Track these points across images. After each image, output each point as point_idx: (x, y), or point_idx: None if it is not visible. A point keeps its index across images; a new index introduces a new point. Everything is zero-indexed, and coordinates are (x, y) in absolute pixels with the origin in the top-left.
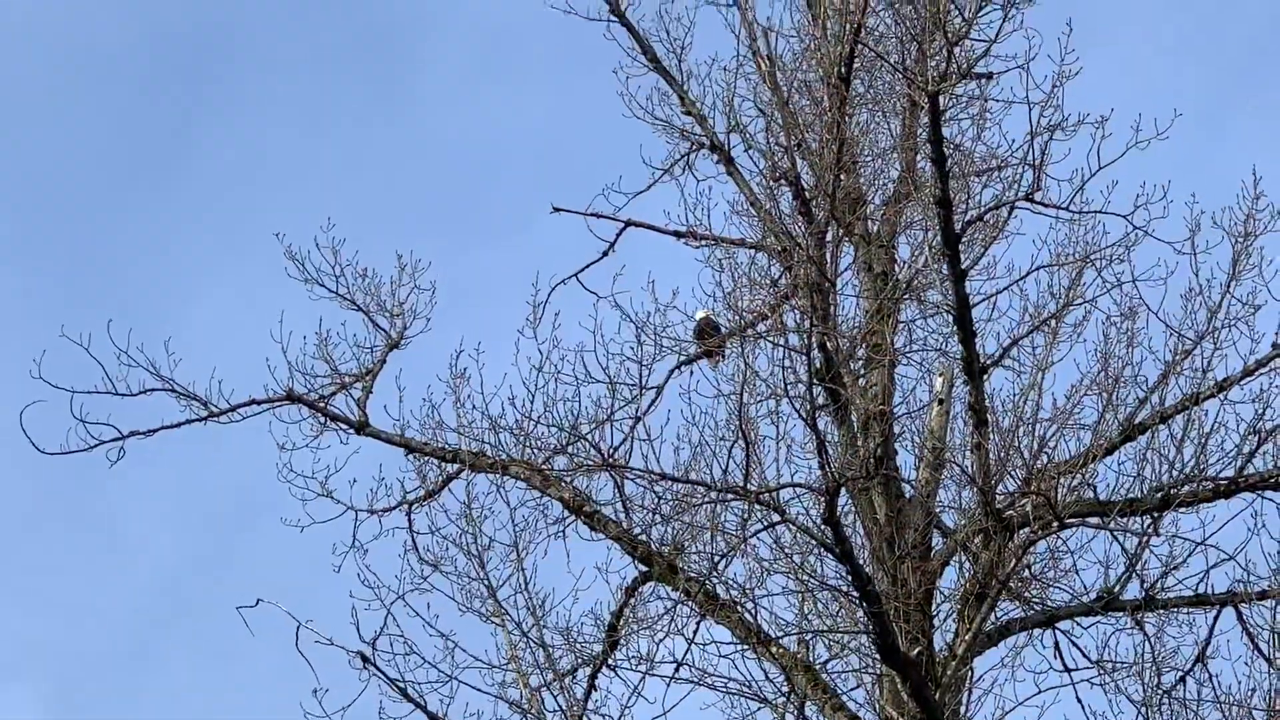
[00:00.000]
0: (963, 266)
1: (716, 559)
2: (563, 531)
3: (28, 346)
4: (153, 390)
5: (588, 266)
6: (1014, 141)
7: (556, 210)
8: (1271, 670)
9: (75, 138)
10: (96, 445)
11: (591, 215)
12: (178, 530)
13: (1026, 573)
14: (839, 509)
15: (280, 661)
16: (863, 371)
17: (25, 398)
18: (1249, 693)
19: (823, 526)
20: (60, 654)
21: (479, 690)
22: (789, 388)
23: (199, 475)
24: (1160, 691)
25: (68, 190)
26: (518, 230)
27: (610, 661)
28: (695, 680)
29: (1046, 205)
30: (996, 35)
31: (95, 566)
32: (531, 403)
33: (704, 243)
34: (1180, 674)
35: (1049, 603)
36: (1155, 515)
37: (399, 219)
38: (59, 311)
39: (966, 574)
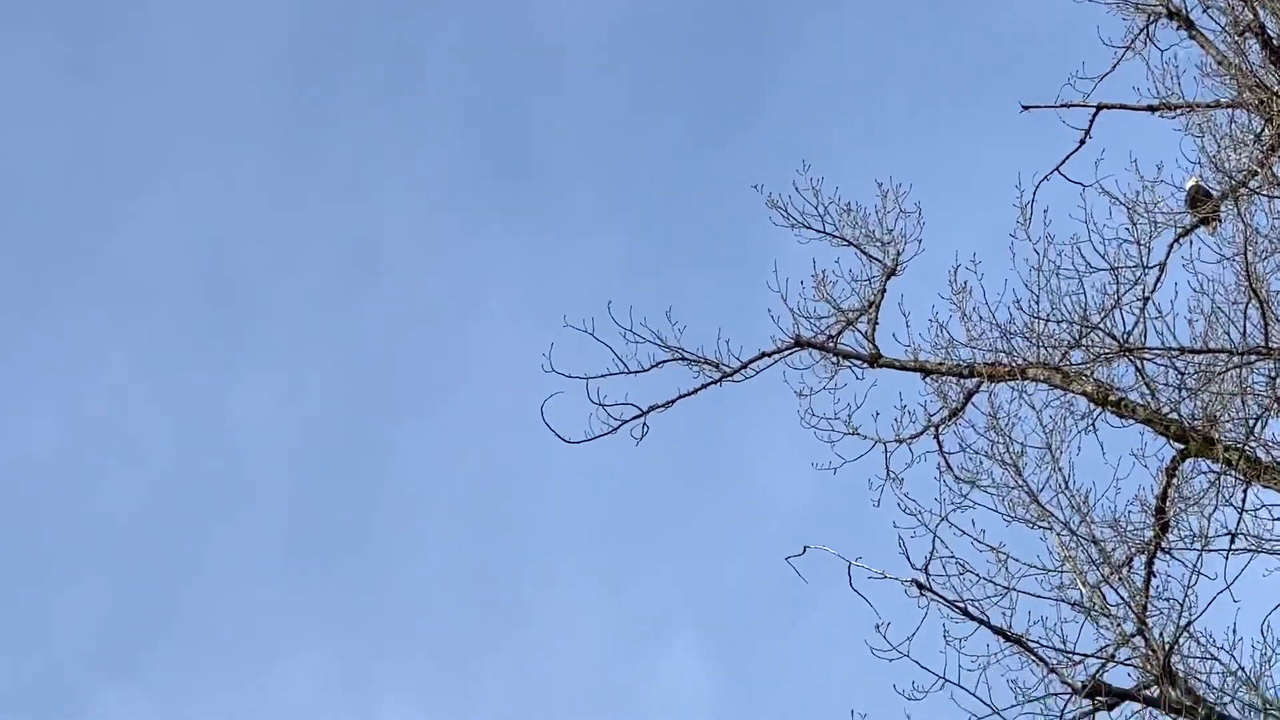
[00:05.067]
0: None
1: (1252, 423)
2: (1092, 424)
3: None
4: (663, 362)
5: (1067, 158)
6: None
7: (1026, 109)
8: None
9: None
10: (619, 426)
11: (1062, 106)
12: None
13: None
14: None
15: (837, 602)
16: None
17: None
18: None
19: None
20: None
21: (1038, 596)
22: None
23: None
24: None
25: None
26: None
27: (1164, 545)
28: (1253, 549)
29: None
30: None
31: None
32: (1037, 302)
33: (1179, 111)
34: None
35: None
36: None
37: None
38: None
39: None
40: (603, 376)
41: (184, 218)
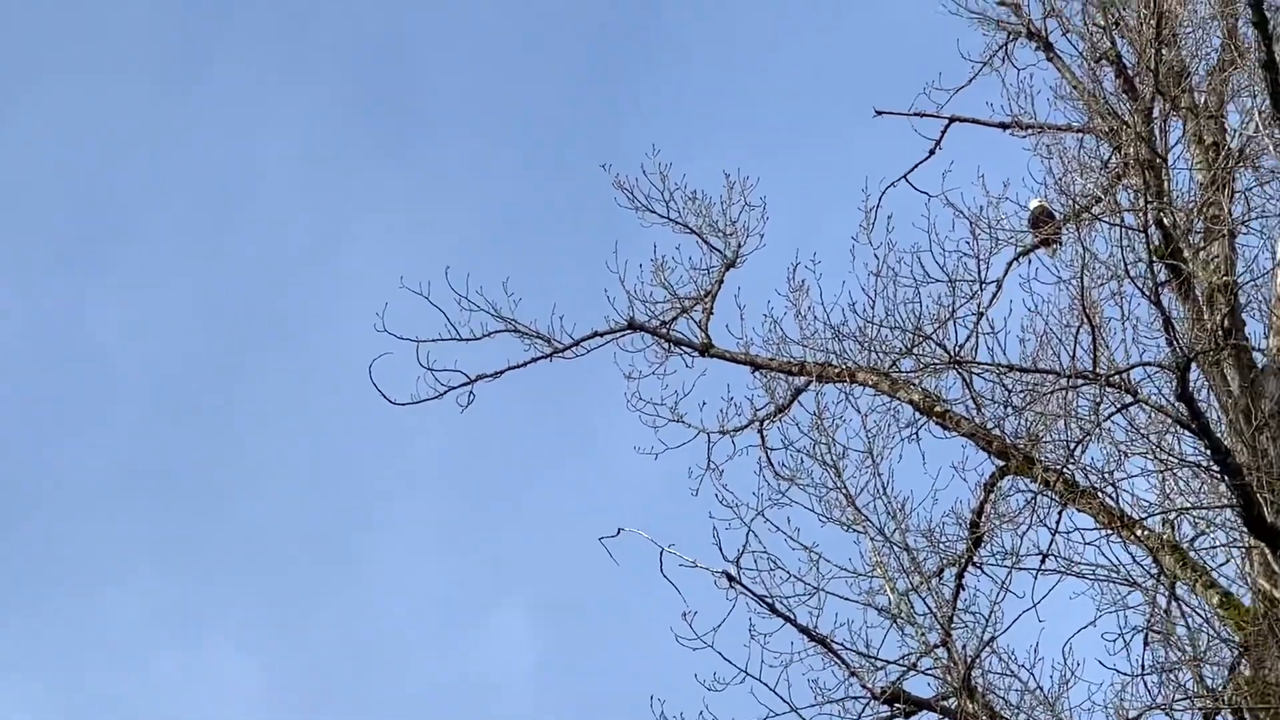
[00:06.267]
0: None
1: (1073, 446)
2: (915, 433)
3: None
4: (495, 332)
5: (916, 166)
6: None
7: (880, 113)
8: None
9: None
10: (446, 392)
11: (915, 115)
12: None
13: None
14: (1191, 384)
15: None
16: (1203, 244)
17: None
18: None
19: (1177, 404)
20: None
21: (846, 599)
22: (1129, 267)
23: None
24: None
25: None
26: (839, 136)
27: (975, 559)
28: (1062, 570)
29: None
30: None
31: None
32: (873, 308)
33: (1030, 131)
34: None
35: None
36: None
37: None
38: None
39: None
40: (433, 341)
41: (57, 131)
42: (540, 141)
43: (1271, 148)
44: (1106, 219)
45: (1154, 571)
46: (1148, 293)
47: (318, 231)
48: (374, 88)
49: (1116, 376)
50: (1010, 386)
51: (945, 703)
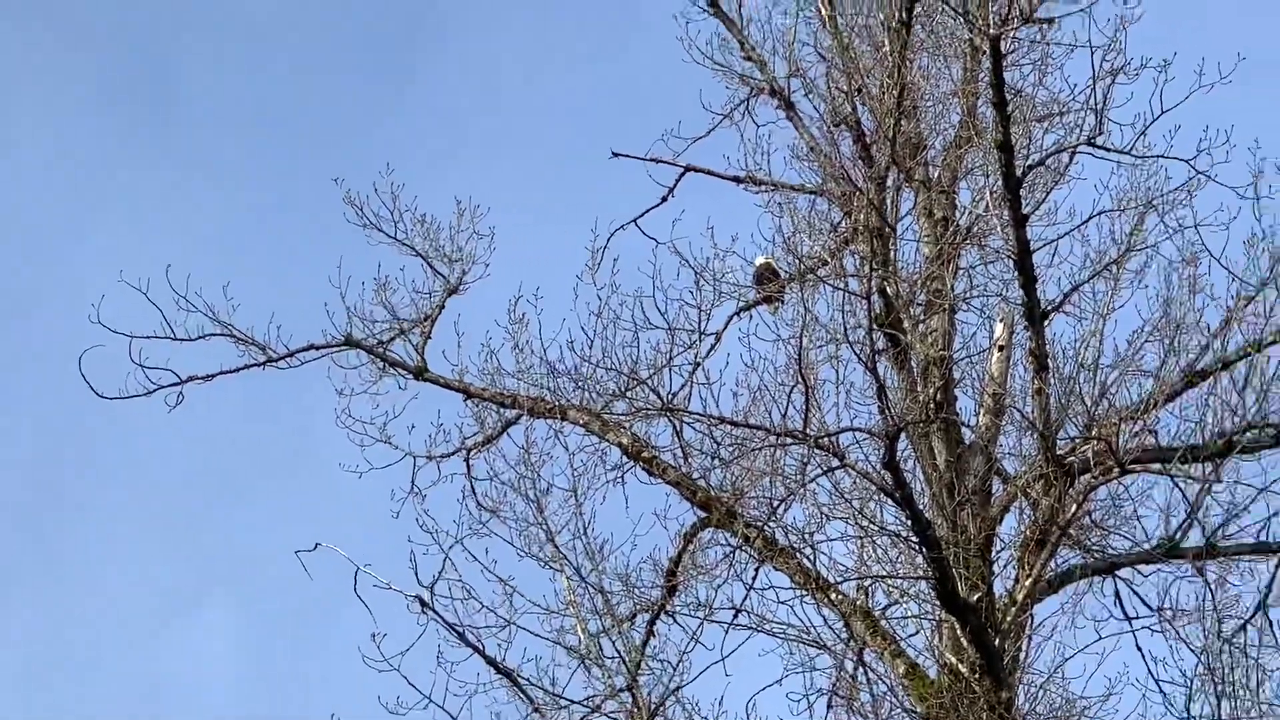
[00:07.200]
0: (1024, 211)
1: (775, 504)
2: (621, 477)
3: None
4: (211, 335)
5: (647, 212)
6: (1076, 86)
7: (616, 155)
8: None
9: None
10: (155, 390)
11: (651, 160)
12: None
13: (1087, 519)
14: (899, 454)
15: (338, 605)
16: (923, 317)
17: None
18: None
19: (882, 471)
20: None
21: (537, 635)
22: (849, 333)
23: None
24: (1221, 639)
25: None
26: (582, 174)
27: (668, 608)
28: (754, 626)
29: (1108, 150)
30: None
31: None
32: (590, 348)
33: (764, 188)
34: (1241, 622)
35: (1110, 550)
36: (1217, 462)
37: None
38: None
39: (1027, 520)
40: (147, 338)
41: None
42: (286, 148)
43: (999, 228)
44: (830, 282)
45: (844, 636)
46: (864, 359)
47: (59, 215)
48: (136, 76)
49: (825, 439)
50: (720, 439)
51: None
